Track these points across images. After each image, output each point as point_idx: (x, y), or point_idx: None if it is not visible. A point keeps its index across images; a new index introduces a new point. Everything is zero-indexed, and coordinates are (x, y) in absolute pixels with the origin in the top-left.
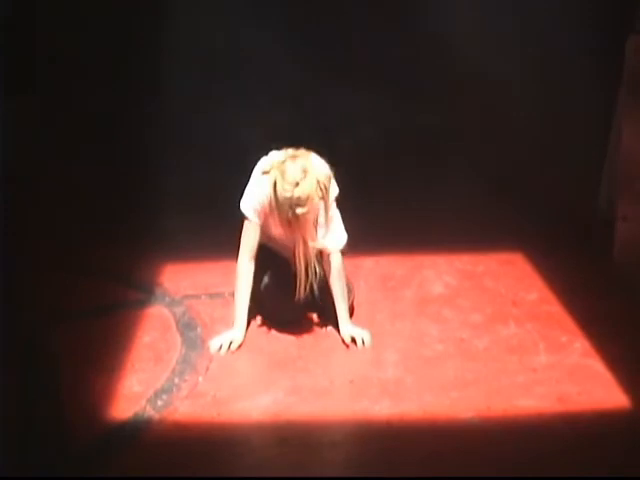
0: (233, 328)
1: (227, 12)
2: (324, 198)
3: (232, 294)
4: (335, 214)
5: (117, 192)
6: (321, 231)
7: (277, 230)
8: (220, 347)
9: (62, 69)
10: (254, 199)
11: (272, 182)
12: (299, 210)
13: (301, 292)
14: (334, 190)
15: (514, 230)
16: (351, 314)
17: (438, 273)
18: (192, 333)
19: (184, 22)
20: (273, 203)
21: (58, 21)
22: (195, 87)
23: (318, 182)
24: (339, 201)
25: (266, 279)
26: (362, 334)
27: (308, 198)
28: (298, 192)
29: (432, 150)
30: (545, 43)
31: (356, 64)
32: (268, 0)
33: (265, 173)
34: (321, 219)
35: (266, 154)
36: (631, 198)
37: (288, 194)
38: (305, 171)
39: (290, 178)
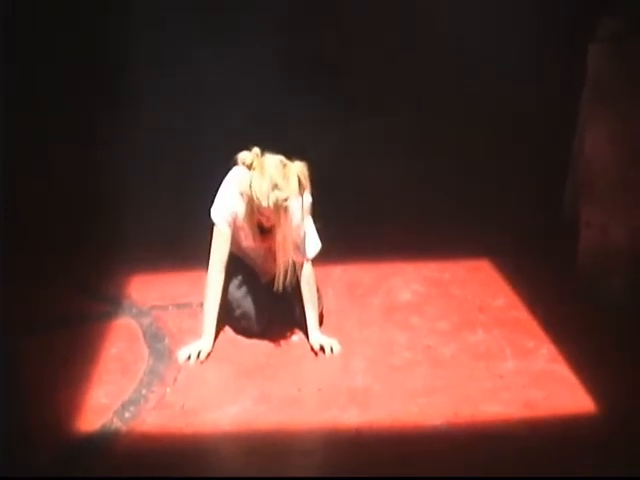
0: (201, 338)
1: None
2: (303, 189)
3: (200, 304)
4: (309, 223)
5: (84, 202)
6: (295, 237)
7: (248, 242)
8: (189, 357)
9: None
10: (225, 208)
11: (251, 177)
12: (280, 198)
13: (279, 285)
14: (308, 200)
15: (480, 237)
16: (320, 322)
17: (405, 281)
18: (159, 344)
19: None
20: (255, 196)
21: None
22: (169, 98)
23: (297, 174)
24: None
25: (234, 289)
26: (331, 343)
27: (289, 186)
28: (280, 183)
29: (399, 158)
30: (509, 49)
31: (318, 73)
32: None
33: (247, 167)
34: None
35: (235, 164)
36: (594, 204)
37: (267, 184)
38: (285, 164)
39: (271, 169)
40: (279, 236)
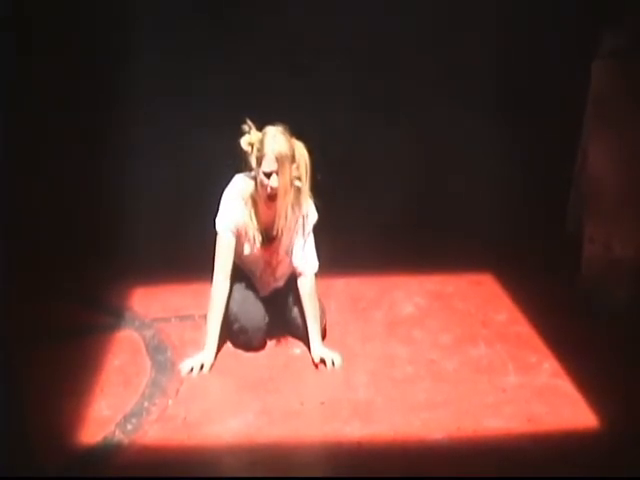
0: (204, 350)
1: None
2: (301, 164)
3: (202, 316)
4: (310, 240)
5: (86, 215)
6: (297, 251)
7: (249, 250)
8: (191, 370)
9: None
10: (228, 217)
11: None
12: (282, 144)
13: (279, 230)
14: (313, 216)
15: (483, 251)
16: (323, 336)
17: (408, 294)
18: (162, 356)
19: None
20: (256, 150)
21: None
22: (170, 106)
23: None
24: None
25: (232, 303)
26: (332, 356)
27: (291, 141)
28: (279, 137)
29: (400, 171)
30: (512, 66)
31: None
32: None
33: (250, 146)
34: (299, 240)
35: (237, 172)
36: (597, 220)
37: (270, 137)
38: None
39: (272, 130)
40: (281, 182)
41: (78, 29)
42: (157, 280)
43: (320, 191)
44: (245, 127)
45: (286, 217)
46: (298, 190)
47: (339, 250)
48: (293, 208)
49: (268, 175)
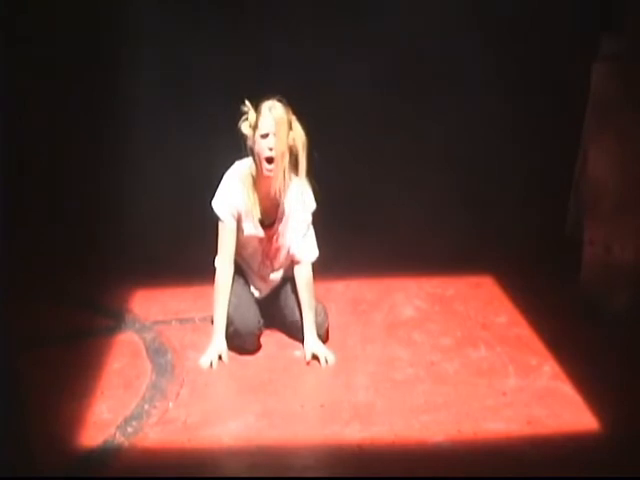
0: (213, 340)
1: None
2: (298, 139)
3: (203, 319)
4: (310, 228)
5: (87, 218)
6: (295, 238)
7: (248, 228)
8: (211, 364)
9: None
10: (228, 201)
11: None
12: (279, 108)
13: (276, 190)
14: (312, 204)
15: (483, 253)
16: (325, 339)
17: (408, 296)
18: (162, 359)
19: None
20: (254, 118)
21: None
22: (170, 107)
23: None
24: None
25: (228, 306)
26: (325, 353)
27: (286, 111)
28: (278, 104)
29: (401, 172)
30: (512, 67)
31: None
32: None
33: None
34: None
35: (239, 158)
36: (597, 222)
37: (267, 104)
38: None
39: (270, 102)
40: (278, 144)
41: (81, 28)
42: (158, 283)
43: (320, 191)
44: (244, 108)
45: (284, 178)
46: (296, 158)
47: (339, 253)
48: (290, 177)
49: (266, 136)
